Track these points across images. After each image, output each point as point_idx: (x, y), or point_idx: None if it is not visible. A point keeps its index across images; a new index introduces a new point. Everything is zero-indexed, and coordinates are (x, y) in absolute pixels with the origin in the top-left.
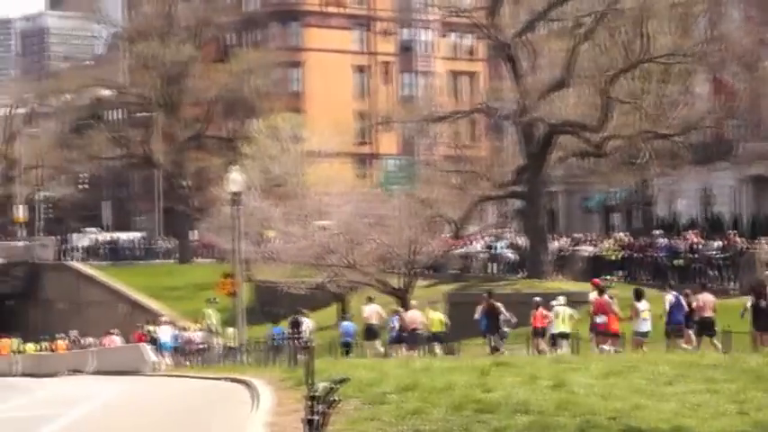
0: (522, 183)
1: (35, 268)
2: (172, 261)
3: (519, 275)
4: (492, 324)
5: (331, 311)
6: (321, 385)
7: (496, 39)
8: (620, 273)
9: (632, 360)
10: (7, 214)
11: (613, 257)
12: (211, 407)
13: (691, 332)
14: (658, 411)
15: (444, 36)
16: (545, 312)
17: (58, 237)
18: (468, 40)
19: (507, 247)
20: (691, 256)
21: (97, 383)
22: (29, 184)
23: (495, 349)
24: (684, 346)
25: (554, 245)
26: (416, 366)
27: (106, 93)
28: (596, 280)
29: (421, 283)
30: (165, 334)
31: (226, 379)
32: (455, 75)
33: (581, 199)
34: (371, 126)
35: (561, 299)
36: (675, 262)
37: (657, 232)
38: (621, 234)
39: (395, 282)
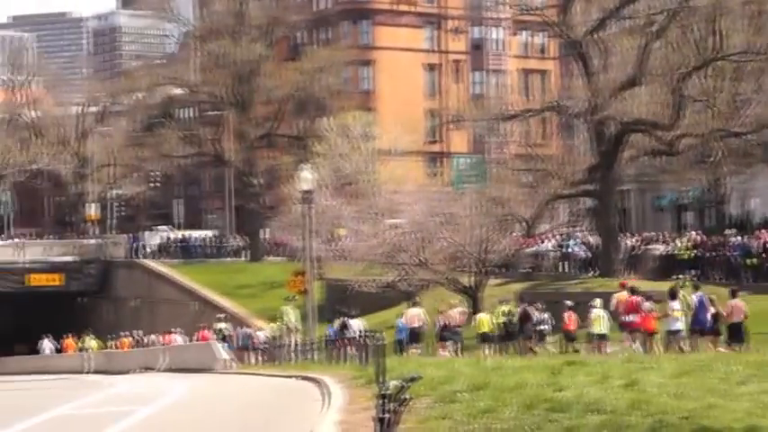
0: (593, 181)
1: (107, 266)
2: (243, 259)
3: (590, 274)
4: (525, 327)
5: (401, 310)
6: (392, 383)
7: (568, 37)
8: (693, 272)
9: (704, 359)
10: (80, 212)
11: (685, 256)
12: (282, 404)
13: (719, 338)
14: (731, 411)
15: (515, 34)
16: (575, 316)
17: (130, 235)
18: (539, 39)
19: (579, 246)
20: (764, 255)
21: (169, 381)
22: (101, 182)
23: (529, 350)
24: (710, 345)
25: (625, 243)
26: (488, 365)
27: (178, 91)
28: (624, 281)
29: (492, 281)
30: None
31: (297, 377)
32: (526, 73)
33: (653, 197)
34: (442, 124)
35: (598, 301)
36: (749, 261)
37: (730, 231)
38: (693, 233)
39: (465, 280)
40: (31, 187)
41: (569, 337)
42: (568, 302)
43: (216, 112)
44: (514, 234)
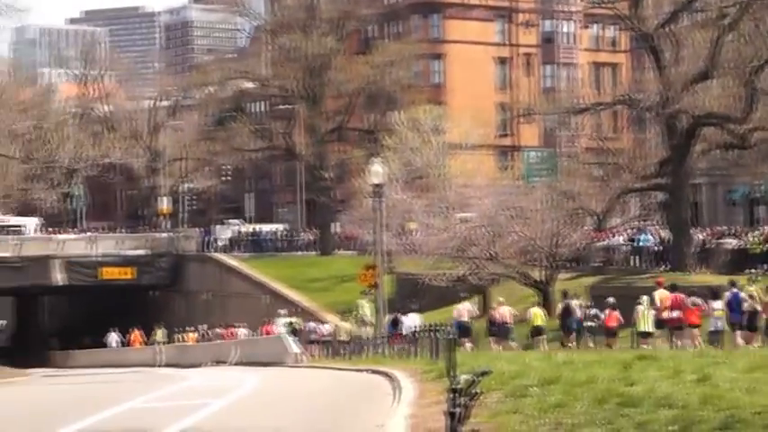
0: (664, 175)
1: (179, 259)
2: (313, 253)
3: (662, 268)
4: (566, 322)
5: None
6: (463, 378)
7: (639, 30)
8: (765, 266)
9: None
10: (151, 206)
11: (758, 251)
12: (354, 398)
13: (738, 333)
14: None
15: (586, 27)
16: (615, 313)
17: (202, 228)
18: (610, 32)
19: (650, 240)
20: None
21: (240, 374)
22: (173, 175)
23: (562, 345)
24: (739, 341)
25: (697, 237)
26: (558, 359)
27: (249, 85)
28: (660, 279)
29: (562, 275)
30: (280, 327)
31: (368, 371)
32: (597, 66)
33: (725, 191)
34: (513, 118)
35: (645, 299)
36: None
37: None
38: (766, 227)
39: (536, 274)
40: (104, 181)
41: (610, 334)
42: (610, 299)
43: (287, 106)
44: (585, 228)
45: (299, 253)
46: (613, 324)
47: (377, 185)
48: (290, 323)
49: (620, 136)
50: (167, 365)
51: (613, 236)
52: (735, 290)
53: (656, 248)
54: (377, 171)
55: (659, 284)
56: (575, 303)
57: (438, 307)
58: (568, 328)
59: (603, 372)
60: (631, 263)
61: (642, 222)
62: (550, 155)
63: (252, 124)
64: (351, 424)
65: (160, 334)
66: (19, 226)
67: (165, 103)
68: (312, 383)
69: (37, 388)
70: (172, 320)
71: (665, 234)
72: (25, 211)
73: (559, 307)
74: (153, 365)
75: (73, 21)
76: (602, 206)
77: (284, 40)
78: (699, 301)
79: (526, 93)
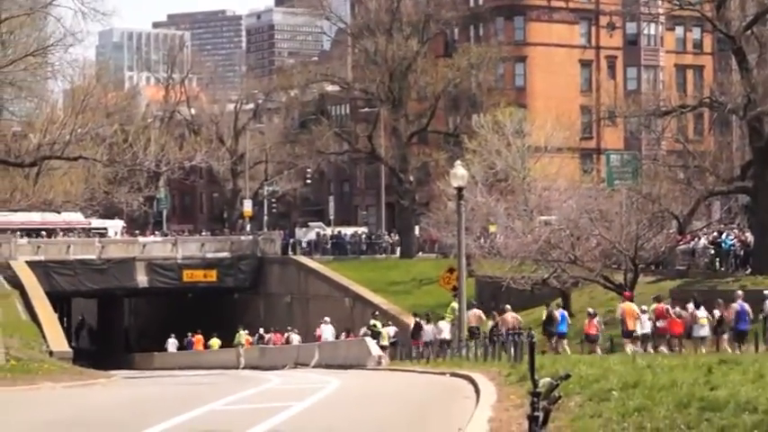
0: (748, 178)
1: (261, 262)
2: (395, 256)
3: (746, 272)
4: (547, 329)
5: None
6: (544, 381)
7: (724, 32)
8: None
9: None
10: (234, 209)
11: None
12: (436, 401)
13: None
14: None
15: (671, 29)
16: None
17: (284, 231)
18: (694, 34)
19: (733, 244)
20: None
21: (322, 377)
22: (255, 178)
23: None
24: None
25: None
26: (640, 363)
27: (331, 88)
28: (627, 293)
29: (645, 279)
30: (327, 332)
31: (449, 374)
32: (681, 68)
33: None
34: (596, 121)
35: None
36: None
37: None
38: None
39: (618, 278)
40: (187, 184)
41: (589, 340)
42: (590, 310)
43: (369, 109)
44: (668, 231)
45: (381, 256)
46: (592, 332)
47: (459, 188)
48: (374, 325)
49: (703, 139)
50: (249, 368)
51: (696, 239)
52: (740, 302)
53: (739, 252)
54: (459, 174)
55: (626, 297)
56: (556, 312)
57: (520, 310)
58: (551, 333)
59: (685, 375)
60: (714, 267)
61: (725, 226)
62: (633, 158)
63: (334, 127)
64: (432, 428)
65: (241, 336)
66: (103, 228)
67: (248, 106)
68: (393, 387)
69: (120, 390)
70: (253, 323)
71: (749, 237)
72: (109, 213)
73: (544, 313)
74: (235, 367)
75: (158, 24)
76: (685, 209)
77: (367, 43)
78: (683, 312)
79: (609, 95)
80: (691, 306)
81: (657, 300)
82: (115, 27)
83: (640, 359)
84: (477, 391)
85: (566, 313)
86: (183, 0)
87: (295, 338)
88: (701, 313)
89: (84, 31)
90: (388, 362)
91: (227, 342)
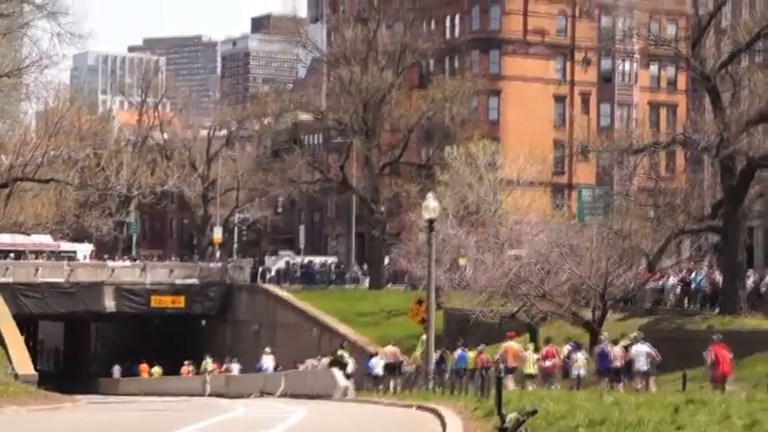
0: (719, 217)
1: (230, 289)
2: (364, 287)
3: (713, 311)
4: (440, 369)
5: (522, 341)
6: (510, 416)
7: (698, 70)
8: None
9: None
10: (204, 235)
11: None
12: None
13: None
14: None
15: (645, 67)
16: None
17: (254, 259)
18: (669, 72)
19: (703, 283)
20: None
21: (287, 406)
22: (226, 205)
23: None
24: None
25: (750, 280)
26: (607, 400)
27: (305, 117)
28: (511, 333)
29: (613, 316)
30: (268, 362)
31: (416, 407)
32: (655, 106)
33: None
34: (568, 156)
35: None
36: None
37: None
38: None
39: (587, 314)
40: (157, 209)
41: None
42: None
43: (342, 139)
44: (637, 268)
45: (350, 286)
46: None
47: (430, 220)
48: (342, 355)
49: (675, 176)
50: (215, 395)
51: (666, 277)
52: (603, 345)
53: (707, 291)
54: (431, 206)
55: (509, 337)
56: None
57: (487, 344)
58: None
59: (652, 414)
60: (683, 305)
61: (694, 264)
62: (605, 193)
63: (307, 156)
64: None
65: (206, 364)
66: (72, 252)
67: (221, 132)
68: (358, 419)
69: (85, 415)
70: (220, 350)
71: (718, 277)
72: (79, 237)
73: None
74: (201, 394)
75: (133, 48)
76: (655, 246)
77: (342, 73)
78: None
79: (583, 131)
80: (567, 348)
81: (547, 341)
82: (90, 50)
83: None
84: (444, 425)
85: (465, 351)
86: (159, 25)
87: (235, 368)
88: (580, 355)
89: (60, 54)
90: (354, 393)
91: (175, 371)
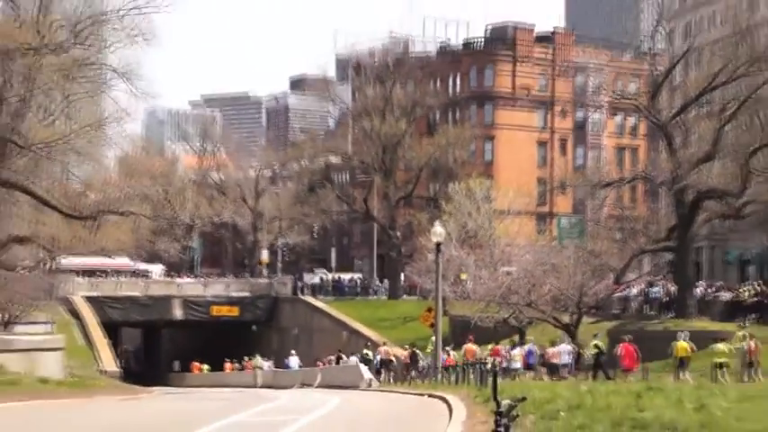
0: (673, 239)
1: (275, 301)
2: (384, 298)
3: (669, 316)
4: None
5: (512, 341)
6: (505, 402)
7: (655, 119)
8: (753, 316)
9: (763, 389)
10: (254, 257)
11: (748, 303)
12: (415, 417)
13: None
14: None
15: (612, 116)
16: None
17: (294, 276)
18: (631, 121)
19: (659, 292)
20: None
21: (324, 395)
22: (271, 232)
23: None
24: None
25: (698, 290)
26: (582, 389)
27: (335, 159)
28: (471, 336)
29: (587, 320)
30: (293, 362)
31: (427, 395)
32: (620, 149)
33: (722, 253)
34: (550, 190)
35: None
36: None
37: None
38: (755, 283)
39: (565, 318)
40: (216, 236)
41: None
42: (447, 348)
43: (365, 177)
44: (607, 281)
45: (373, 297)
46: (451, 363)
47: (437, 243)
48: (367, 353)
49: (637, 206)
50: (265, 386)
51: (629, 288)
52: (528, 345)
53: (664, 299)
54: (438, 231)
55: (470, 340)
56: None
57: (485, 343)
58: (416, 370)
59: (619, 400)
60: (643, 311)
61: (653, 277)
62: (579, 221)
63: (336, 191)
64: None
65: (259, 361)
66: (146, 271)
67: (266, 172)
68: (381, 405)
69: (159, 404)
70: (267, 350)
71: (672, 287)
72: (152, 259)
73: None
74: (253, 386)
75: (194, 104)
76: (621, 263)
77: (365, 123)
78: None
79: (561, 169)
80: (508, 347)
81: (496, 342)
82: (159, 105)
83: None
84: (450, 410)
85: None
86: (215, 83)
87: (265, 365)
88: (516, 351)
89: (135, 110)
90: (377, 384)
91: (219, 367)
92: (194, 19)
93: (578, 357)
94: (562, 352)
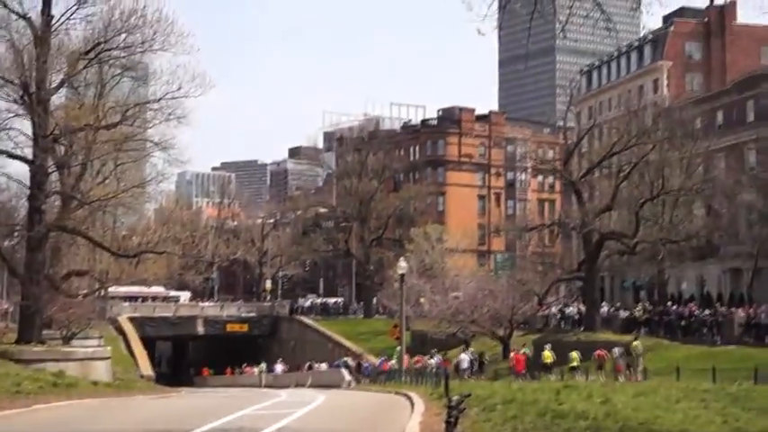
0: (582, 270)
1: (276, 319)
2: (361, 316)
3: (580, 329)
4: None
5: (459, 350)
6: (455, 398)
7: (568, 179)
8: (644, 329)
9: (653, 386)
10: (260, 285)
11: (640, 319)
12: (386, 410)
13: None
14: (671, 420)
15: (535, 176)
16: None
17: (291, 300)
18: (549, 179)
19: (572, 311)
20: (691, 319)
21: (313, 393)
22: (274, 266)
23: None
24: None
25: (602, 310)
26: (515, 387)
27: (323, 210)
28: (418, 357)
29: (517, 333)
30: (278, 368)
31: (394, 392)
32: (542, 201)
33: (620, 281)
34: (488, 233)
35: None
36: (682, 323)
37: (669, 303)
38: (645, 304)
39: (501, 332)
40: (230, 270)
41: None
42: (383, 358)
43: (346, 224)
44: (532, 303)
45: (352, 316)
46: (386, 369)
47: (402, 275)
48: (345, 361)
49: (554, 245)
50: (267, 386)
51: (549, 308)
52: (468, 352)
53: (576, 317)
54: (402, 265)
55: (417, 355)
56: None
57: (438, 351)
58: (366, 375)
59: (543, 395)
60: (560, 326)
61: (568, 299)
62: (511, 256)
63: (324, 235)
64: (384, 426)
65: (263, 366)
66: (176, 297)
67: (270, 221)
68: (359, 400)
69: (186, 400)
70: (271, 358)
71: (582, 307)
72: (181, 287)
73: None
74: (258, 386)
75: (214, 168)
76: (543, 289)
77: (346, 182)
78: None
79: (496, 218)
80: (428, 357)
81: (445, 352)
82: (188, 169)
83: (515, 384)
84: (412, 404)
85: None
86: (231, 151)
87: (256, 370)
88: (432, 361)
89: (169, 173)
90: (355, 384)
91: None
92: (215, 102)
93: (481, 364)
94: (462, 360)
